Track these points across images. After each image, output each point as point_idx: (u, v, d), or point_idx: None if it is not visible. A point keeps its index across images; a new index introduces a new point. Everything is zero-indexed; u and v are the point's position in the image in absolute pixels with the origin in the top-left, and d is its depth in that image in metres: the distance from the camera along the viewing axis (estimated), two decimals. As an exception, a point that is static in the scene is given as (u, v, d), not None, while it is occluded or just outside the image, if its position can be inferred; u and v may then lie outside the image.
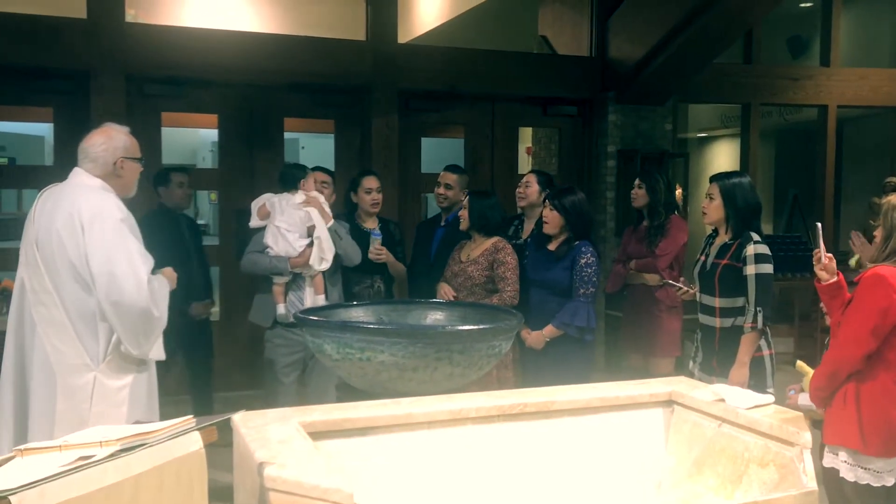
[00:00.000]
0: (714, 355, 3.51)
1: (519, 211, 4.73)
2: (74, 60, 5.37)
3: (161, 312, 2.81)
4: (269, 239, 3.86)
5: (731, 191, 3.47)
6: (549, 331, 3.85)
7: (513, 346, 3.77)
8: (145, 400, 2.90)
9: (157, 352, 2.88)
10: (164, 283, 2.91)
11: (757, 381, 3.40)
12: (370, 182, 4.41)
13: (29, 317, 2.81)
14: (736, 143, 8.81)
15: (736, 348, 3.41)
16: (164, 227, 4.52)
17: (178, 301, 4.36)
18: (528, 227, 4.51)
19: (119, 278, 2.70)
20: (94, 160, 2.88)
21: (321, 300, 3.86)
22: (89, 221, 2.74)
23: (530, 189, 4.45)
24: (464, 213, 4.07)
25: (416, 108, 6.35)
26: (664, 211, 4.66)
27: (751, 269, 3.40)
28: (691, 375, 3.49)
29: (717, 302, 3.48)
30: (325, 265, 3.92)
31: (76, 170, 2.91)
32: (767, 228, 10.10)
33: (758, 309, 3.36)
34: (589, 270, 3.83)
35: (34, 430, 2.77)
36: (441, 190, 4.61)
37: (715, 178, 3.53)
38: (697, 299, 3.59)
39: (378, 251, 4.27)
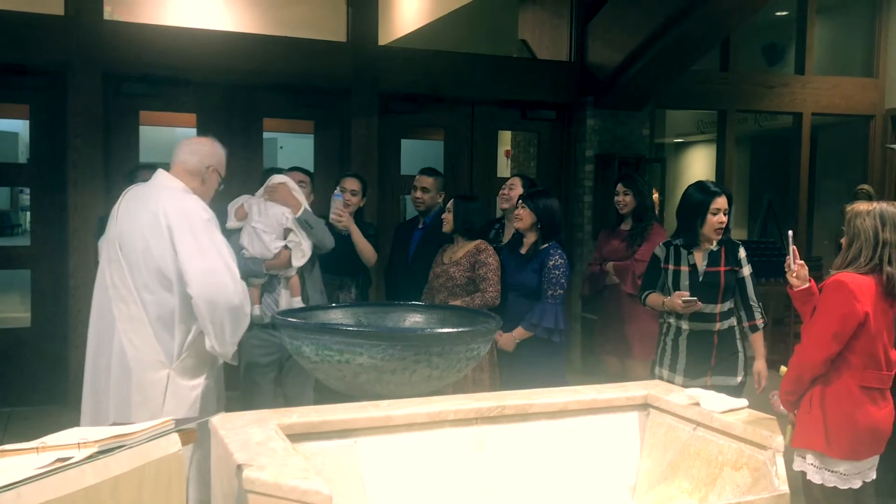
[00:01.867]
0: (710, 358, 3.55)
1: (499, 214, 4.71)
2: (51, 57, 5.31)
3: (250, 311, 2.91)
4: (245, 240, 3.82)
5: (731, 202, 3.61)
6: (519, 332, 3.86)
7: (490, 349, 3.77)
8: (216, 402, 2.98)
9: (235, 354, 2.96)
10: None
11: (732, 372, 3.52)
12: (346, 183, 4.38)
13: (109, 312, 2.87)
14: (712, 149, 8.84)
15: (731, 347, 3.54)
16: None
17: None
18: (509, 231, 4.49)
19: (216, 275, 2.76)
20: (192, 155, 2.98)
21: (297, 302, 3.82)
22: (177, 221, 2.79)
23: (515, 192, 4.42)
24: (448, 217, 4.05)
25: (396, 109, 6.33)
26: (652, 215, 4.66)
27: (746, 270, 3.55)
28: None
29: (719, 307, 3.53)
30: (303, 259, 3.87)
31: (159, 171, 3.01)
32: (742, 234, 10.17)
33: (759, 304, 3.53)
34: (557, 272, 3.83)
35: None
36: (418, 194, 4.58)
37: (726, 193, 3.58)
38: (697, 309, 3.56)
39: (339, 213, 4.15)
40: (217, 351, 2.84)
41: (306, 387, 3.96)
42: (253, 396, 3.87)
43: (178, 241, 2.78)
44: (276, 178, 3.90)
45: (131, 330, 2.83)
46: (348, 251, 4.22)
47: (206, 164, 3.02)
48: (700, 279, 3.56)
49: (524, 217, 3.95)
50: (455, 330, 2.80)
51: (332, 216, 4.15)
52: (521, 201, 4.01)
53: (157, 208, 2.82)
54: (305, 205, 3.85)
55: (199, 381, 2.90)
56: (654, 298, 3.70)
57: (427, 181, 4.59)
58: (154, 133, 6.88)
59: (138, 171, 4.67)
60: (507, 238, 4.48)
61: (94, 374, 2.96)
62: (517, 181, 4.50)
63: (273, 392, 3.95)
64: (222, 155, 3.10)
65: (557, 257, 3.86)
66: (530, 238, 3.97)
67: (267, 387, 3.92)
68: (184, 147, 3.03)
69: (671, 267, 3.65)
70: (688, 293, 3.53)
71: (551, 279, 3.83)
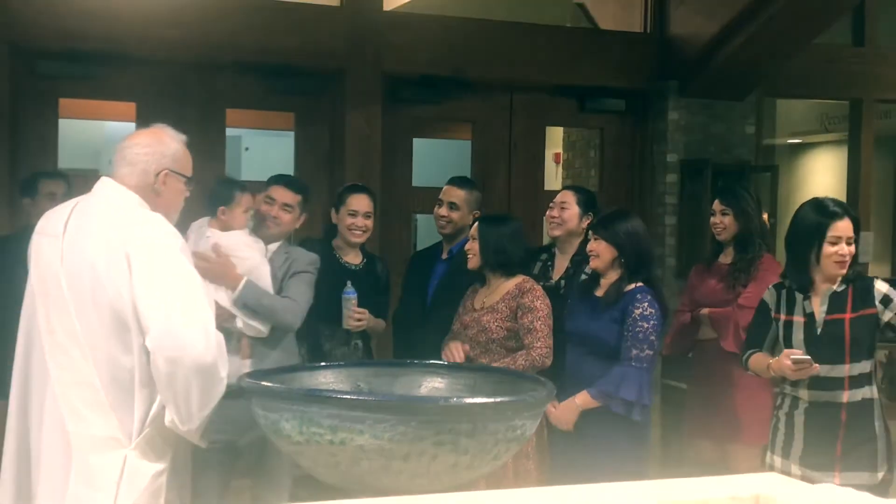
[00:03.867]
0: (835, 441, 3.64)
1: (548, 241, 4.85)
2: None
3: (226, 374, 2.90)
4: None
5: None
6: (583, 400, 3.94)
7: (539, 428, 3.79)
8: (181, 492, 3.01)
9: (204, 432, 2.96)
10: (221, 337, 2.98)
11: (869, 466, 3.61)
12: (358, 202, 4.48)
13: (42, 369, 2.89)
14: (841, 153, 8.85)
15: (866, 428, 3.63)
16: (20, 255, 4.50)
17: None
18: (561, 263, 4.62)
19: (180, 325, 2.78)
20: (134, 160, 3.03)
21: (246, 367, 3.85)
22: (138, 249, 2.83)
23: (568, 212, 4.54)
24: (473, 247, 4.14)
25: (407, 98, 6.40)
26: (761, 242, 4.74)
27: (889, 314, 3.67)
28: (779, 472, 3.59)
29: (848, 369, 3.64)
30: (256, 331, 3.91)
31: (104, 181, 3.05)
32: (884, 269, 10.10)
33: None
34: (645, 325, 3.91)
35: None
36: (443, 210, 4.70)
37: (850, 214, 3.69)
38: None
39: (358, 316, 4.31)
40: (178, 427, 2.87)
41: (282, 478, 3.96)
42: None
43: (138, 274, 2.82)
44: (214, 237, 3.93)
45: (75, 393, 2.84)
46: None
47: (156, 168, 3.04)
48: (819, 331, 3.68)
49: (601, 252, 4.03)
50: (491, 400, 2.81)
51: (347, 322, 4.31)
52: (592, 232, 4.10)
53: (112, 231, 2.87)
54: (244, 279, 3.87)
55: (165, 464, 2.92)
56: (758, 360, 3.81)
57: (458, 194, 4.71)
58: (75, 128, 6.96)
59: (38, 182, 4.84)
60: (557, 274, 4.60)
61: (20, 455, 2.96)
62: (570, 197, 4.62)
63: (220, 480, 3.95)
64: (177, 148, 3.12)
65: (646, 305, 3.93)
66: (611, 276, 4.06)
67: (213, 468, 3.90)
68: (123, 148, 3.07)
69: (783, 317, 3.78)
70: (801, 351, 3.61)
71: (637, 334, 3.90)
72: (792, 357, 3.56)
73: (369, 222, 4.50)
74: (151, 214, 2.98)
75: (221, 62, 6.01)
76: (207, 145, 6.05)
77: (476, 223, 4.24)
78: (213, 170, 5.94)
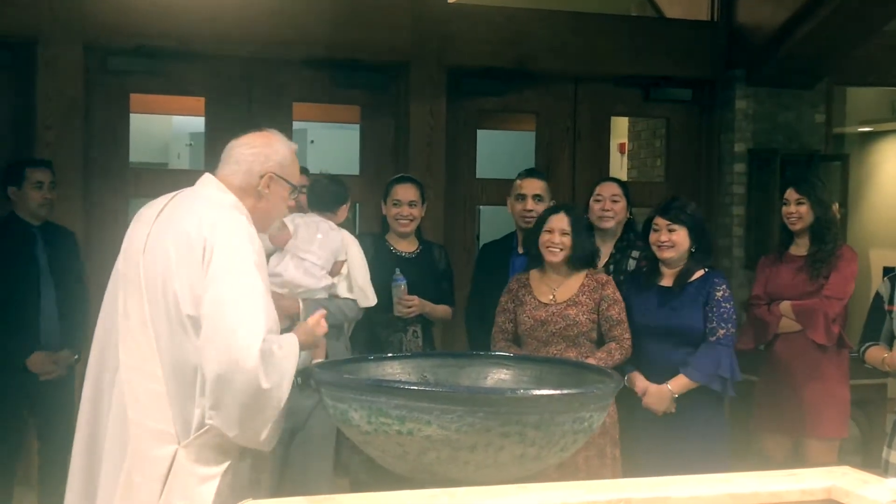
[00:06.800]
0: None
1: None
2: (21, 26, 5.55)
3: (274, 384, 2.76)
4: (283, 266, 3.91)
5: None
6: (681, 384, 4.01)
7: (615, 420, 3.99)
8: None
9: (265, 440, 2.86)
10: (292, 346, 2.90)
11: None
12: (399, 192, 4.55)
13: (114, 352, 2.89)
14: None
15: None
16: (5, 246, 4.65)
17: (15, 352, 4.61)
18: (605, 251, 4.60)
19: (225, 331, 2.72)
20: (239, 160, 3.00)
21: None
22: (224, 245, 2.81)
23: (619, 204, 4.60)
24: (564, 241, 4.08)
25: (471, 90, 6.48)
26: (837, 233, 4.69)
27: None
28: (887, 468, 3.67)
29: None
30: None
31: (206, 177, 3.04)
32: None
33: None
34: (727, 306, 4.04)
35: None
36: (530, 204, 4.68)
37: None
38: None
39: (407, 303, 4.37)
40: (228, 435, 2.81)
41: (324, 466, 4.03)
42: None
43: (215, 270, 2.79)
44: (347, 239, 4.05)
45: (139, 382, 2.82)
46: (409, 278, 4.41)
47: (260, 169, 2.99)
48: None
49: (679, 241, 4.08)
50: (559, 392, 2.81)
51: (397, 309, 4.39)
52: (660, 219, 4.11)
53: (199, 221, 2.85)
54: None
55: (218, 471, 2.84)
56: (874, 354, 3.82)
57: (540, 185, 4.74)
58: (143, 123, 7.07)
59: (24, 171, 4.75)
60: (603, 261, 4.59)
61: (90, 439, 2.97)
62: (618, 189, 4.65)
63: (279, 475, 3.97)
64: (285, 153, 3.04)
65: (725, 287, 4.08)
66: (676, 266, 4.14)
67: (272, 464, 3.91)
68: (231, 148, 3.05)
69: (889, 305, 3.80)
70: None
71: (721, 314, 4.03)
72: None
73: (415, 211, 4.55)
74: (239, 218, 2.92)
75: (288, 57, 6.11)
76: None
77: (560, 215, 4.13)
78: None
